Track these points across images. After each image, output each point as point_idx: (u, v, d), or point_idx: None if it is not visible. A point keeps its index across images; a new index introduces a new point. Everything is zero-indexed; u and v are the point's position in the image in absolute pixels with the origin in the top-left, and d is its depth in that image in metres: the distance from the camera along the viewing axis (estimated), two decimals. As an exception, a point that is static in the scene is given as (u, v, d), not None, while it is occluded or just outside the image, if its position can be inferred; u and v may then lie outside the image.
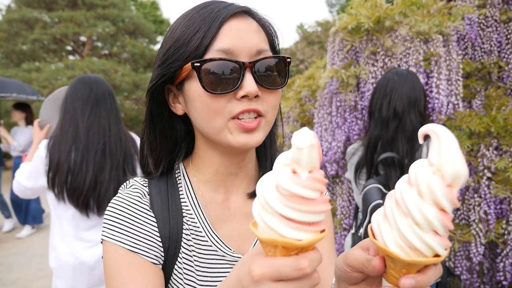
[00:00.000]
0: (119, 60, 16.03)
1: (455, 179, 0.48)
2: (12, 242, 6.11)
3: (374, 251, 0.58)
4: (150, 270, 0.77)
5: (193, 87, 0.77)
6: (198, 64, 0.74)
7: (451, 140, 0.48)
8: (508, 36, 2.91)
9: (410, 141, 1.91)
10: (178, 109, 0.85)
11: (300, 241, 0.48)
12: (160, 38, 21.54)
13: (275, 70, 0.79)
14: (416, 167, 0.51)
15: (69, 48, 16.47)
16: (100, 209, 2.05)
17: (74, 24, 14.42)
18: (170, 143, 0.88)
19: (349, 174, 2.22)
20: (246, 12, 0.81)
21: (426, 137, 0.51)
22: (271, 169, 0.85)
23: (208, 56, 0.75)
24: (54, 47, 15.74)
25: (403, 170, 1.87)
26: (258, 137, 0.78)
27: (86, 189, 1.97)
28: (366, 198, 1.86)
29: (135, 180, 0.87)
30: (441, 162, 0.48)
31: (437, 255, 0.50)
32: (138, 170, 2.13)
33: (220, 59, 0.74)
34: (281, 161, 0.50)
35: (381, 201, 1.82)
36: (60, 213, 2.08)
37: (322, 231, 0.51)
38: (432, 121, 2.68)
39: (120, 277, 0.74)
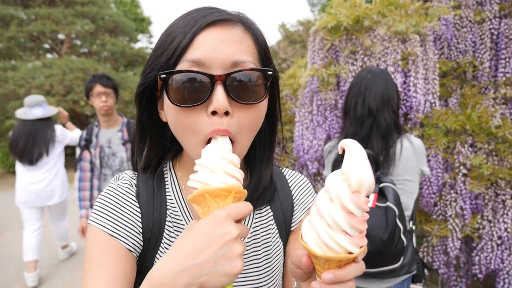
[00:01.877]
0: (99, 59, 15.75)
1: (360, 185, 0.56)
2: (-12, 246, 5.94)
3: None
4: (124, 255, 0.79)
5: (167, 98, 0.75)
6: (165, 75, 0.72)
7: (359, 152, 0.56)
8: (482, 37, 3.00)
9: (384, 138, 1.95)
10: (163, 116, 0.84)
11: (239, 184, 0.66)
12: (140, 37, 21.28)
13: (252, 84, 0.74)
14: (330, 176, 0.58)
15: (46, 46, 16.08)
16: (32, 163, 4.00)
17: (52, 22, 14.07)
18: (160, 148, 0.91)
19: (327, 172, 2.25)
20: (229, 21, 0.75)
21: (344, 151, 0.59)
22: (260, 182, 0.91)
23: (179, 67, 0.72)
24: (31, 45, 15.34)
25: (378, 166, 1.91)
26: None
27: (26, 154, 3.96)
28: None
29: (125, 173, 0.90)
30: (348, 171, 0.56)
31: (350, 253, 0.57)
32: (53, 145, 4.10)
33: (188, 71, 0.71)
34: (218, 150, 0.68)
35: None
36: (18, 164, 4.14)
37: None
38: (410, 120, 2.74)
39: (94, 257, 0.78)
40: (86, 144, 3.36)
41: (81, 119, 15.74)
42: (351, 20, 2.69)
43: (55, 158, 4.20)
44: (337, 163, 2.10)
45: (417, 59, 2.64)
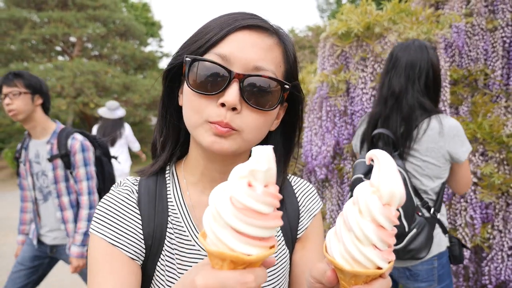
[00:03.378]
0: (110, 62, 15.93)
1: (391, 198, 0.54)
2: (-3, 245, 6.00)
3: None
4: (127, 264, 0.79)
5: (185, 82, 0.79)
6: (189, 59, 0.76)
7: (389, 164, 0.54)
8: (494, 44, 2.97)
9: (406, 119, 1.88)
10: (180, 99, 0.87)
11: (249, 256, 0.47)
12: (150, 40, 21.47)
13: (267, 92, 0.76)
14: (359, 188, 0.56)
15: (58, 48, 16.31)
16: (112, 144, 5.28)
17: (64, 25, 14.29)
18: (175, 135, 0.92)
19: (356, 142, 2.20)
20: (266, 29, 0.78)
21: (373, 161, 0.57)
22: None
23: (206, 57, 0.76)
24: (43, 48, 15.57)
25: (395, 147, 1.86)
26: (225, 145, 0.76)
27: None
28: (353, 172, 1.88)
29: (127, 179, 0.90)
30: (379, 183, 0.54)
31: (379, 268, 0.55)
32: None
33: (211, 61, 0.75)
34: (238, 173, 0.50)
35: (361, 176, 1.81)
36: None
37: (272, 247, 0.50)
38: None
39: (97, 267, 0.77)
40: (17, 158, 2.68)
41: (90, 121, 15.89)
42: (361, 26, 2.69)
43: (123, 140, 5.86)
44: (364, 138, 2.06)
45: (428, 66, 2.63)
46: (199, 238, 0.53)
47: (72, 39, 15.87)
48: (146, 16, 21.96)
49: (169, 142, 0.92)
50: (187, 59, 0.76)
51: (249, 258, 0.47)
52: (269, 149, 0.48)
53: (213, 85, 0.75)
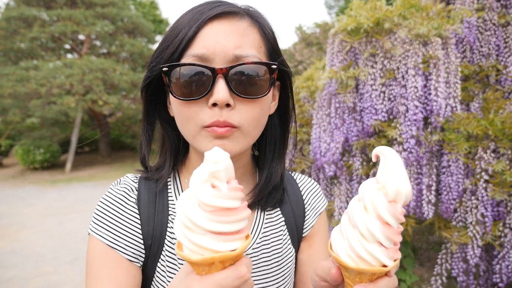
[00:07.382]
0: (118, 59, 16.00)
1: (397, 195, 0.53)
2: (7, 241, 6.10)
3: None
4: (125, 267, 0.77)
5: (170, 92, 0.75)
6: (167, 69, 0.72)
7: (396, 160, 0.53)
8: (506, 40, 2.93)
9: None
10: (171, 111, 0.83)
11: (235, 250, 0.49)
12: (159, 38, 21.55)
13: (255, 78, 0.72)
14: (364, 184, 0.55)
15: (67, 46, 16.44)
16: None
17: (73, 23, 14.40)
18: (173, 145, 0.88)
19: None
20: (235, 13, 0.74)
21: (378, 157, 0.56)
22: (270, 181, 0.85)
23: (183, 61, 0.72)
24: (53, 46, 15.72)
25: None
26: (228, 146, 0.73)
27: None
28: None
29: (126, 176, 0.88)
30: (385, 180, 0.53)
31: (384, 266, 0.53)
32: None
33: (190, 64, 0.71)
34: (198, 178, 0.50)
35: None
36: None
37: (247, 236, 0.52)
38: (430, 124, 2.69)
39: (95, 270, 0.76)
40: None
41: (99, 118, 16.01)
42: (371, 22, 2.67)
43: None
44: None
45: (438, 62, 2.59)
46: (176, 252, 0.51)
47: (81, 37, 15.99)
48: (154, 14, 22.04)
49: (168, 158, 0.87)
50: (164, 68, 0.72)
51: (235, 253, 0.49)
52: (219, 149, 0.50)
53: (198, 87, 0.71)
